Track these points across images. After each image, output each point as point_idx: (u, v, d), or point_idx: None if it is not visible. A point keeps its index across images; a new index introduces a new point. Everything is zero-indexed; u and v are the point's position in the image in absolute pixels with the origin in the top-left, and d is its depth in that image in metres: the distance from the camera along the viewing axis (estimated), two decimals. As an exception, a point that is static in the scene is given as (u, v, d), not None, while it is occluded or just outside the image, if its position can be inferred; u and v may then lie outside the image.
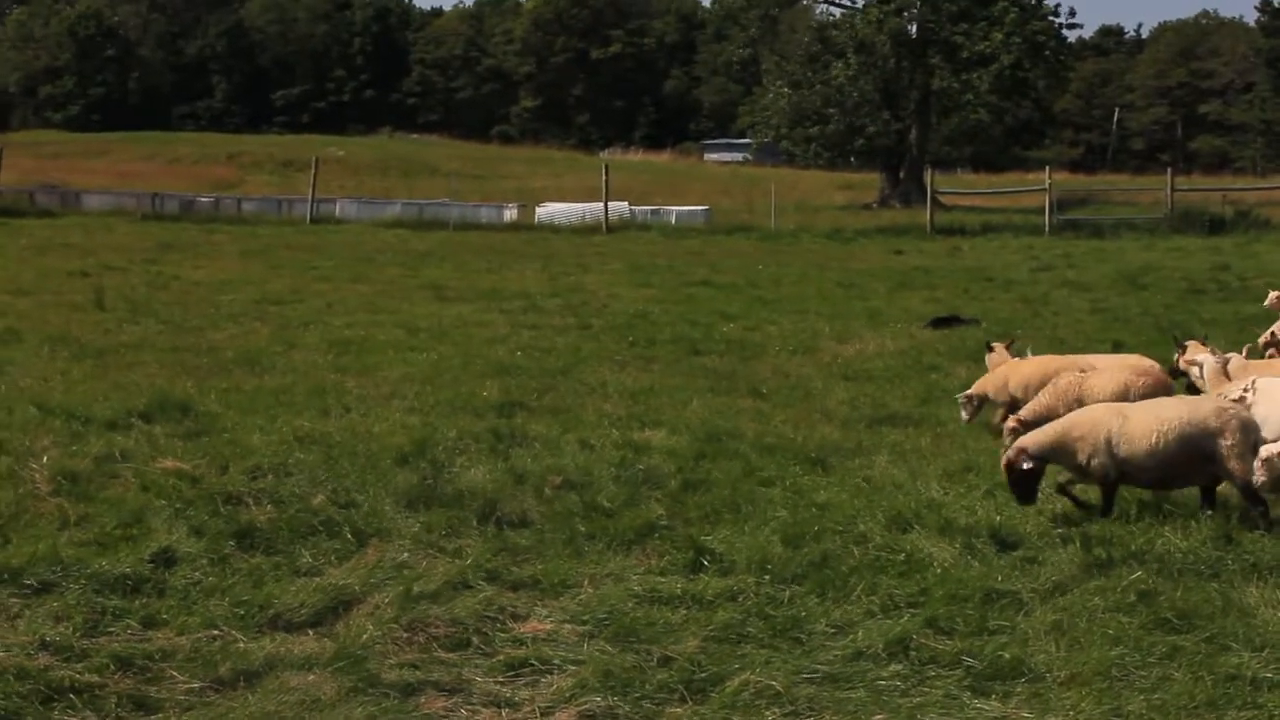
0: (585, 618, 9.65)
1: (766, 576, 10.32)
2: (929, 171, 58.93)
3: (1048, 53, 71.67)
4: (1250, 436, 11.82)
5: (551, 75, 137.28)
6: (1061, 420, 12.43)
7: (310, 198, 54.42)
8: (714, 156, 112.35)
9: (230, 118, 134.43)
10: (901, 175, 74.43)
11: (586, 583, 10.32)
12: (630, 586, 10.20)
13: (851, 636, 9.31)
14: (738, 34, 78.40)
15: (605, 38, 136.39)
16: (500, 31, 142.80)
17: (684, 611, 9.76)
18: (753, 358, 21.26)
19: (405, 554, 10.82)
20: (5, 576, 10.13)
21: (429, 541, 11.18)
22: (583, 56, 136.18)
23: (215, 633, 9.32)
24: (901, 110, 75.19)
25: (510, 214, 54.86)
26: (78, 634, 9.25)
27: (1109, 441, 11.88)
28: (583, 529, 11.49)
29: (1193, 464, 11.89)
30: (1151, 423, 11.89)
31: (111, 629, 9.40)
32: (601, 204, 52.10)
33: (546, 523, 11.78)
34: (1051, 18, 73.37)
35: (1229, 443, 11.72)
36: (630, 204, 54.44)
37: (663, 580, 10.32)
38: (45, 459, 13.48)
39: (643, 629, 9.42)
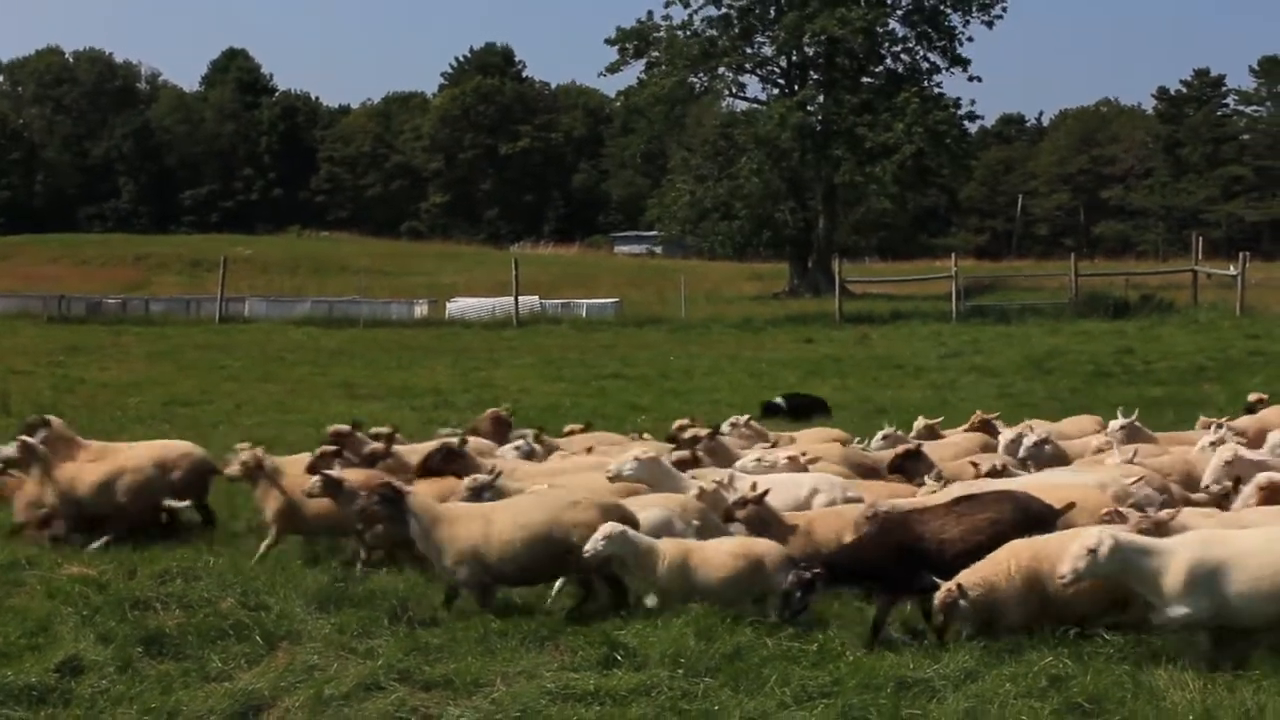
0: (498, 717, 9.62)
1: (680, 670, 10.31)
2: (837, 260, 59.42)
3: (949, 141, 72.50)
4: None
5: (460, 171, 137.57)
6: None
7: (219, 297, 54.14)
8: (623, 249, 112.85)
9: (138, 218, 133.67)
10: (810, 264, 74.99)
11: (499, 680, 10.29)
12: (543, 683, 10.16)
13: (765, 729, 9.32)
14: (644, 128, 78.85)
15: (513, 133, 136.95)
16: (409, 128, 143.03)
17: (597, 708, 9.75)
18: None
19: (316, 656, 10.74)
20: (-96, 690, 9.98)
21: (340, 643, 11.10)
22: (491, 152, 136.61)
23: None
24: (808, 200, 75.86)
25: (420, 310, 54.84)
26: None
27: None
28: (495, 626, 11.44)
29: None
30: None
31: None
32: (511, 298, 52.15)
33: (458, 620, 11.72)
34: (952, 109, 74.28)
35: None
36: (540, 298, 54.56)
37: (576, 676, 10.28)
38: (-53, 568, 13.31)
39: (557, 726, 9.40)
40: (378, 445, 15.89)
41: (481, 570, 11.99)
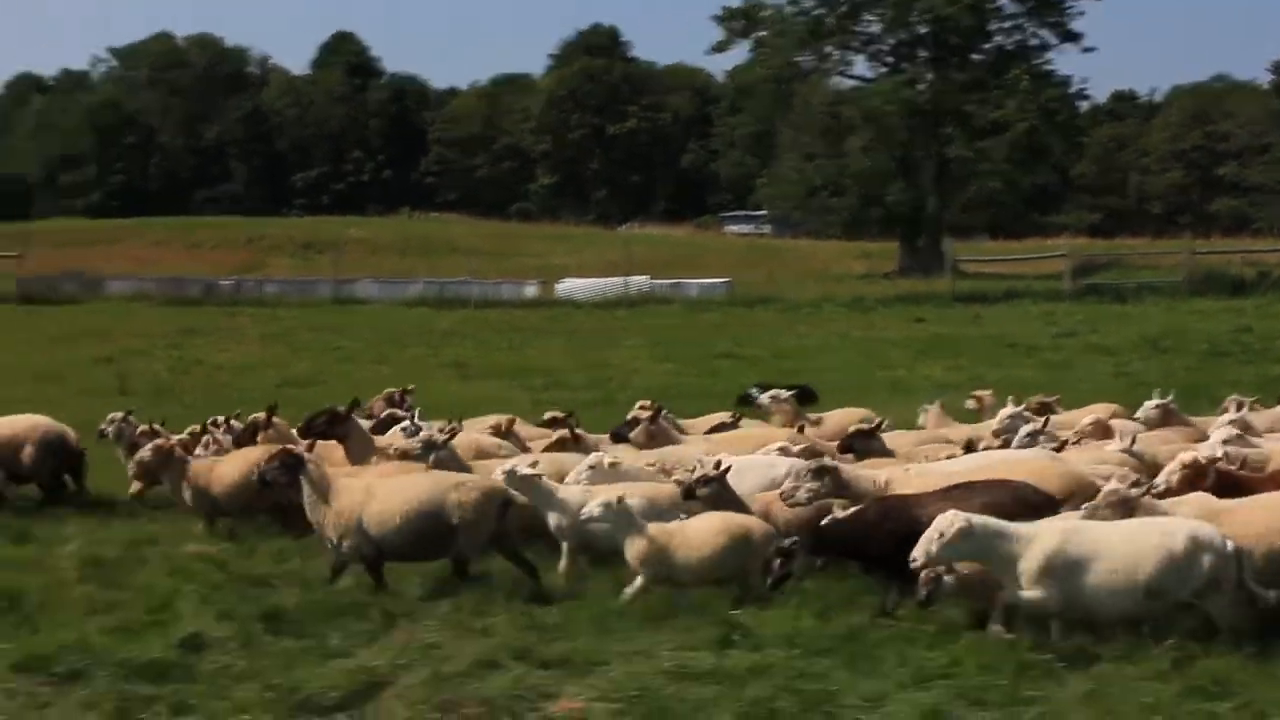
0: (616, 695, 9.62)
1: (796, 650, 10.28)
2: (948, 239, 58.91)
3: (1060, 120, 71.70)
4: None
5: (568, 152, 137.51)
6: None
7: (332, 279, 54.67)
8: (733, 228, 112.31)
9: (250, 201, 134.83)
10: (920, 243, 74.44)
11: (616, 660, 10.28)
12: (660, 663, 10.17)
13: (883, 710, 9.27)
14: (752, 107, 78.45)
15: (621, 113, 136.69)
16: (517, 109, 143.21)
17: (714, 687, 9.73)
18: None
19: (434, 634, 10.82)
20: (34, 665, 10.15)
21: (457, 621, 11.17)
22: (599, 132, 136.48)
23: (245, 717, 9.32)
24: (918, 179, 75.28)
25: (531, 291, 54.92)
26: (106, 721, 9.26)
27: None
28: (611, 605, 11.45)
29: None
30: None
31: (141, 716, 9.41)
32: (622, 279, 52.18)
33: (574, 600, 11.75)
34: (1064, 88, 73.36)
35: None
36: (650, 278, 54.45)
37: (692, 655, 10.28)
38: (72, 546, 13.50)
39: (674, 705, 9.40)
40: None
41: (363, 542, 12.27)
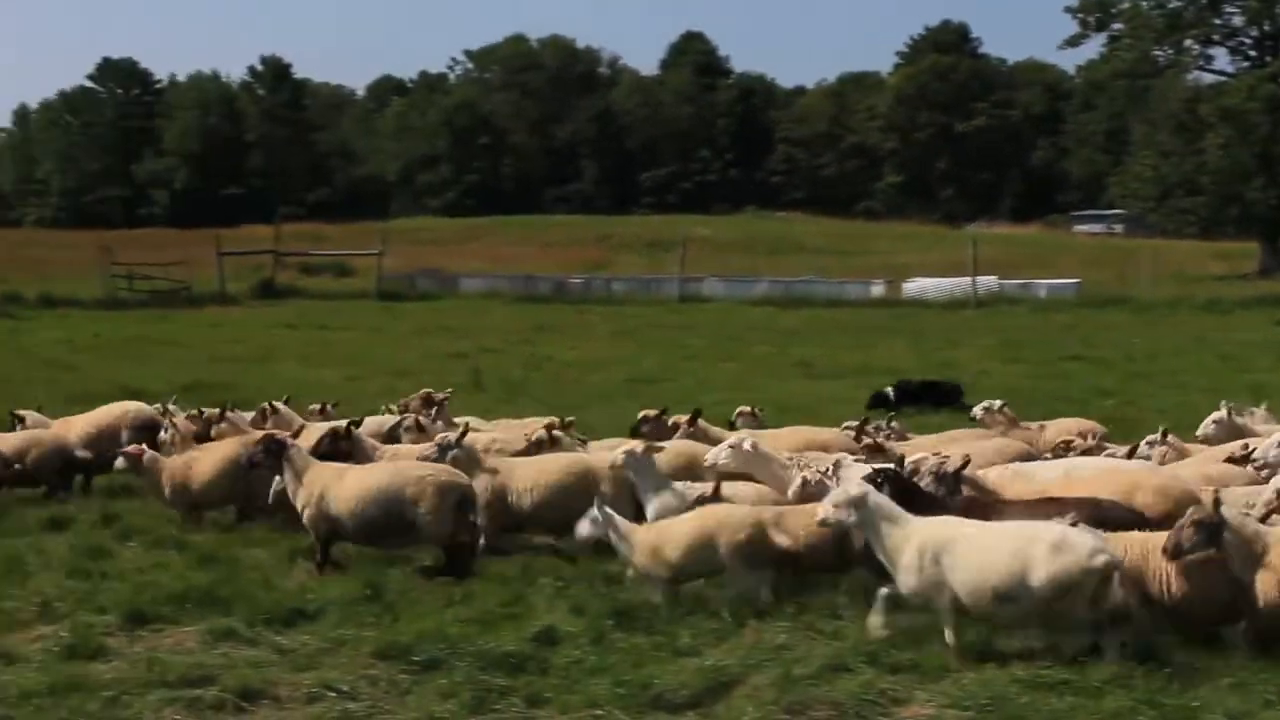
0: (968, 703, 9.46)
1: (1154, 664, 9.95)
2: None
3: None
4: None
5: (915, 150, 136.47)
6: None
7: (679, 277, 55.24)
8: (1082, 228, 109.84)
9: (599, 200, 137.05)
10: (1282, 243, 71.75)
11: (967, 667, 10.11)
12: (1013, 672, 9.95)
13: (1249, 729, 8.94)
14: (1105, 104, 76.60)
15: (969, 111, 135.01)
16: (863, 108, 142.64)
17: (1070, 698, 9.49)
18: (1132, 434, 20.62)
19: (784, 635, 10.77)
20: (394, 653, 10.44)
21: (807, 623, 11.10)
22: (947, 130, 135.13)
23: (598, 712, 9.42)
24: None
25: (877, 290, 54.59)
26: (465, 711, 9.47)
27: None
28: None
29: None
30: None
31: (497, 706, 9.59)
32: (969, 278, 51.54)
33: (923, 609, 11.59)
34: None
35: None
36: (999, 278, 53.65)
37: (1046, 666, 10.02)
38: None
39: (1028, 715, 9.20)
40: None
41: (320, 517, 13.02)
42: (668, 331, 40.47)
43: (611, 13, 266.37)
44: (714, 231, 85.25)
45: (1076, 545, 10.12)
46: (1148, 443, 15.29)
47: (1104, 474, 13.07)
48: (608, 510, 12.23)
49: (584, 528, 12.23)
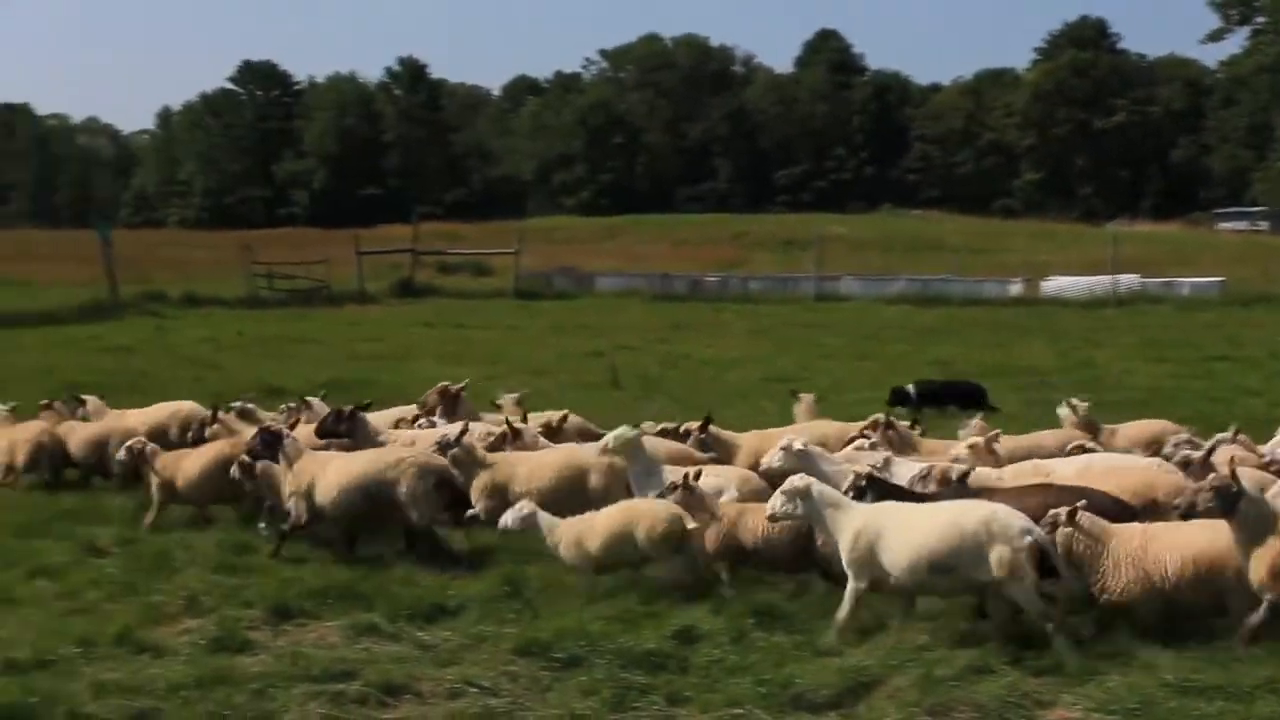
0: (1114, 707, 9.36)
1: (1309, 667, 9.74)
2: None
3: None
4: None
5: (1053, 147, 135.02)
6: None
7: (814, 275, 55.07)
8: (1226, 225, 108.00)
9: (733, 199, 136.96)
10: None
11: (1113, 670, 9.96)
12: (1161, 675, 9.79)
13: None
14: (1248, 99, 75.44)
15: (1109, 107, 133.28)
16: (1000, 105, 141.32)
17: (1220, 703, 9.33)
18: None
19: (925, 636, 10.67)
20: (535, 649, 10.48)
21: (949, 624, 11.01)
22: (1085, 127, 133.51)
23: (738, 711, 9.42)
24: None
25: (1015, 288, 54.00)
26: (605, 708, 9.50)
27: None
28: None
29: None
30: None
31: (637, 705, 9.60)
32: (1109, 277, 50.85)
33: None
34: None
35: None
36: (1140, 276, 52.86)
37: (1197, 671, 9.84)
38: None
39: (1176, 720, 9.05)
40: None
41: (305, 506, 13.66)
42: (803, 330, 40.33)
43: (745, 12, 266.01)
44: (849, 230, 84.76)
45: (1005, 524, 10.53)
46: (1175, 444, 14.98)
47: (1116, 471, 13.14)
48: (531, 504, 12.77)
49: (508, 520, 12.71)
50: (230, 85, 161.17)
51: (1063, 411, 17.94)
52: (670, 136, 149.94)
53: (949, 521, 10.68)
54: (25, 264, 58.29)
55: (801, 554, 11.95)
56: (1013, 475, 13.34)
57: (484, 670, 10.17)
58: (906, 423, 16.61)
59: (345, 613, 11.55)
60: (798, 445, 13.69)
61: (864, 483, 12.01)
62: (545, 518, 12.56)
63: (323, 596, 11.89)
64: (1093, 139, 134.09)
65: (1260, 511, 10.31)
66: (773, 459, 13.65)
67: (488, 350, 34.89)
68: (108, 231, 51.34)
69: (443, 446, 14.18)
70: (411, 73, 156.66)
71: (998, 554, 10.40)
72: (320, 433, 15.55)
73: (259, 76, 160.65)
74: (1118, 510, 11.40)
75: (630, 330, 39.65)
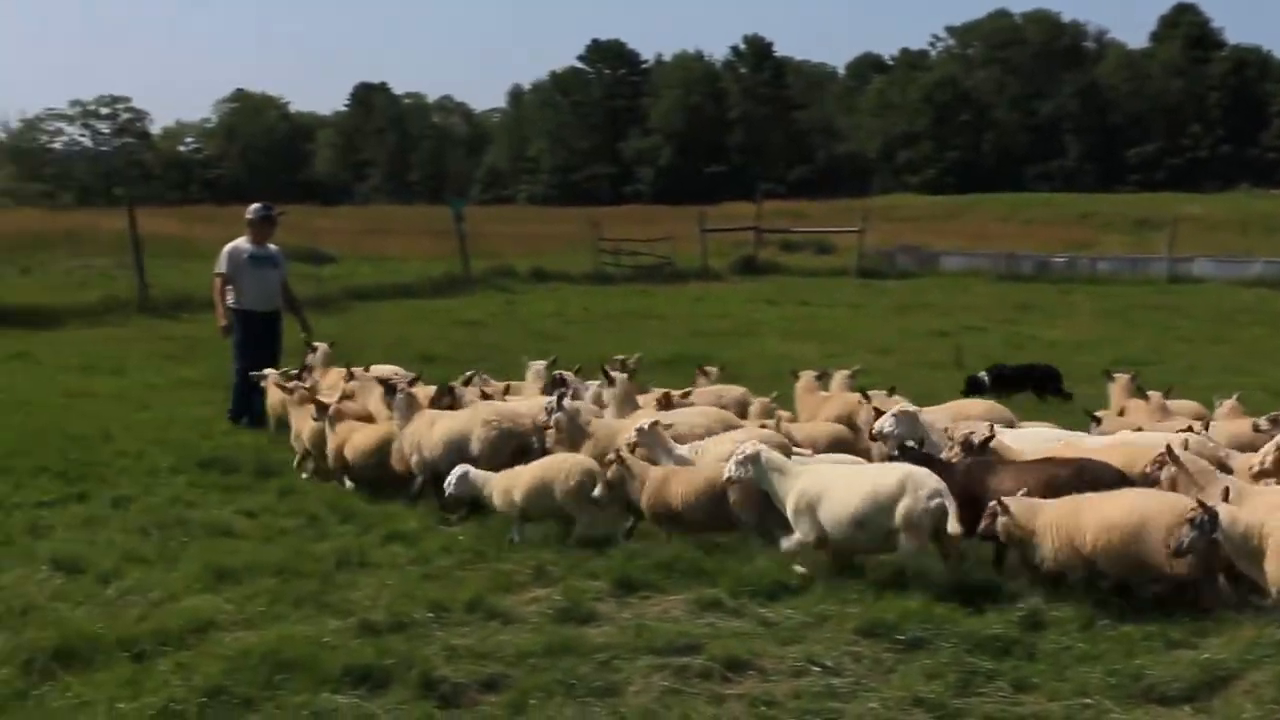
0: None
1: None
2: None
3: None
4: None
5: None
6: None
7: (1167, 257, 53.65)
8: None
9: (1082, 177, 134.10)
10: None
11: None
12: None
13: None
14: None
15: None
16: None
17: None
18: None
19: (1282, 630, 10.26)
20: (879, 630, 10.43)
21: None
22: None
23: (1087, 701, 9.23)
24: None
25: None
26: (950, 692, 9.39)
27: None
28: None
29: None
30: None
31: (983, 690, 9.48)
32: None
33: None
34: None
35: None
36: None
37: None
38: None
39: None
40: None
41: (421, 461, 14.87)
42: (1156, 313, 39.31)
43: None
44: (1204, 210, 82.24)
45: (920, 484, 11.36)
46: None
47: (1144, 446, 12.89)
48: (467, 466, 13.81)
49: (451, 485, 13.66)
50: (579, 64, 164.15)
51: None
52: (1018, 113, 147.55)
53: (871, 480, 11.64)
54: (381, 239, 60.07)
55: (719, 514, 12.71)
56: (1043, 450, 13.36)
57: (827, 649, 10.12)
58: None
59: (688, 588, 11.61)
60: (909, 408, 14.30)
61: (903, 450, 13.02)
62: (477, 474, 13.68)
63: (667, 571, 11.97)
64: None
65: (1237, 531, 10.32)
66: (884, 424, 13.96)
67: (830, 328, 34.90)
68: (461, 208, 52.60)
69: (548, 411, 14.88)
70: (756, 51, 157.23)
71: (904, 505, 11.26)
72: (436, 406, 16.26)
73: (607, 55, 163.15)
74: (1115, 480, 11.62)
75: (974, 310, 39.21)
